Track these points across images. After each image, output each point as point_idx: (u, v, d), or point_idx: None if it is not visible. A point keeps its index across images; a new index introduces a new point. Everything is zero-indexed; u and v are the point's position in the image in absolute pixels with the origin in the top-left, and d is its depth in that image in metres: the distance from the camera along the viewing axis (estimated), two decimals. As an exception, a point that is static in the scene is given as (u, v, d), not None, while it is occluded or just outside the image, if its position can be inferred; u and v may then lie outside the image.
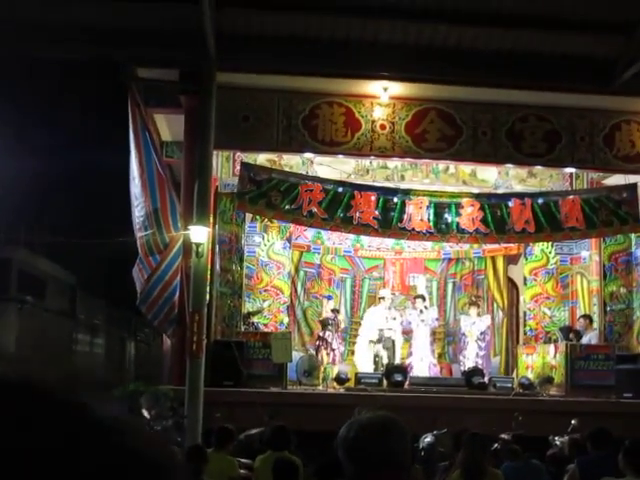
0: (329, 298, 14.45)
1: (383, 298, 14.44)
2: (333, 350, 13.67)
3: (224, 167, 13.03)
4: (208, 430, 8.15)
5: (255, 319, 13.13)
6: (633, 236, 13.06)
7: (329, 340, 13.64)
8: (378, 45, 10.69)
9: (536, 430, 8.80)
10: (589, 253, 14.22)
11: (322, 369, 13.54)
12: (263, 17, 10.35)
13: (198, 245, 9.87)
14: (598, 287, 13.69)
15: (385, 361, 13.63)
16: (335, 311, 14.11)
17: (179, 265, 10.36)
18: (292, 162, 13.46)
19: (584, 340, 13.04)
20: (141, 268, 10.65)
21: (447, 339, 15.90)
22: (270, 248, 14.19)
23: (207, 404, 9.56)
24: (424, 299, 14.43)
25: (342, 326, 14.14)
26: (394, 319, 14.16)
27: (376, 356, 13.79)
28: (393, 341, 13.98)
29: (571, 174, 13.90)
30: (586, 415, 9.08)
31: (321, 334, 13.81)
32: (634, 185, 12.09)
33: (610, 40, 10.64)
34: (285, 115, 11.47)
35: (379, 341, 13.89)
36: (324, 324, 13.76)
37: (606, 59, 10.79)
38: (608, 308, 13.43)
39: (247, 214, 12.82)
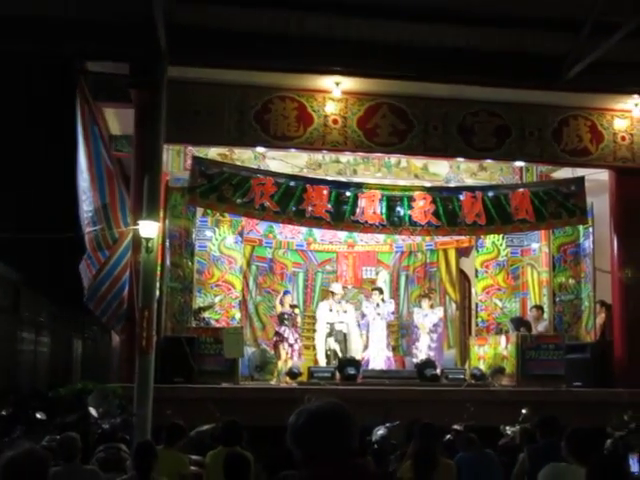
0: (287, 293, 14.47)
1: (333, 293, 14.51)
2: (291, 346, 13.71)
3: (175, 161, 13.00)
4: (158, 427, 8.14)
5: (206, 314, 13.11)
6: (581, 228, 13.38)
7: (285, 335, 13.69)
8: (331, 40, 10.69)
9: (488, 420, 8.98)
10: (539, 245, 14.49)
11: (277, 364, 13.60)
12: (216, 11, 10.30)
13: (148, 240, 9.80)
14: (548, 278, 13.97)
15: (339, 355, 13.75)
16: (293, 306, 14.16)
17: (128, 260, 10.30)
18: (244, 156, 13.46)
19: (535, 330, 13.29)
20: (89, 264, 10.56)
21: (401, 332, 16.04)
22: (221, 242, 14.16)
23: (157, 401, 9.51)
24: (382, 292, 14.54)
25: (299, 321, 14.17)
26: (345, 312, 14.24)
27: (328, 350, 13.90)
28: (345, 334, 14.08)
29: (521, 168, 14.18)
30: (537, 404, 9.28)
31: (279, 330, 13.84)
32: (581, 178, 12.37)
33: (559, 37, 10.82)
34: (237, 109, 11.46)
35: (330, 335, 13.99)
36: (281, 319, 13.80)
37: (555, 56, 10.96)
38: (557, 299, 13.74)
39: (198, 208, 12.80)
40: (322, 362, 13.92)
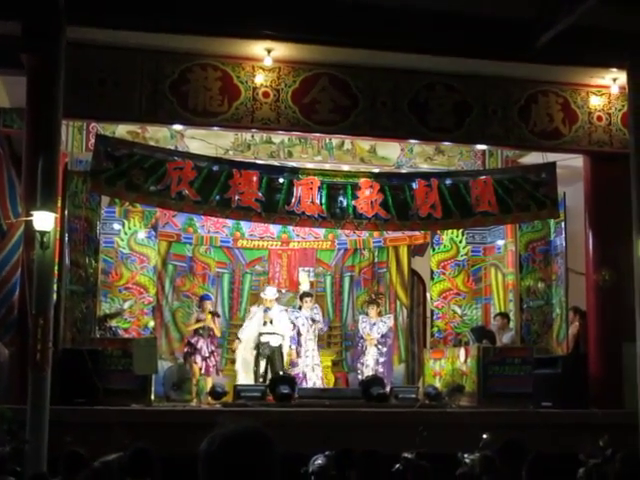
0: (206, 298, 14.43)
1: (265, 298, 14.50)
2: (205, 359, 13.70)
3: (76, 140, 12.88)
4: (55, 457, 8.06)
5: (113, 323, 13.03)
6: (552, 223, 13.56)
7: (198, 347, 13.67)
8: (260, -1, 10.73)
9: (444, 446, 9.04)
10: (504, 242, 14.70)
11: (194, 381, 13.57)
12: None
13: (43, 234, 9.69)
14: (514, 281, 14.18)
15: (262, 372, 13.73)
16: (214, 314, 14.13)
17: (19, 258, 10.15)
18: (158, 135, 13.41)
19: (499, 342, 13.46)
20: (-29, 262, 10.40)
21: (345, 343, 16.13)
22: (132, 237, 14.08)
23: (54, 426, 9.42)
24: (311, 297, 14.61)
25: (217, 332, 14.13)
26: (279, 322, 14.23)
27: (254, 367, 13.88)
28: (274, 348, 14.04)
29: (483, 152, 14.37)
30: (501, 428, 9.37)
31: (192, 340, 13.81)
32: (553, 164, 12.53)
33: (526, 2, 10.97)
34: (150, 79, 11.35)
35: (256, 348, 13.98)
36: (198, 328, 13.79)
37: (522, 22, 11.11)
38: (525, 305, 13.93)
39: (103, 197, 12.69)
40: (242, 379, 13.88)
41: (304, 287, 15.34)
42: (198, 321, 13.91)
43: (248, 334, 14.25)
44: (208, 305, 14.14)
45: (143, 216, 14.15)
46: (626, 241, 11.41)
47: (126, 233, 14.10)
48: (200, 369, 13.59)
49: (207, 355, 13.69)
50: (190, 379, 13.78)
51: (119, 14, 10.49)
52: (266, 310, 14.19)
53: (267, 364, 13.89)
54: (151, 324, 13.99)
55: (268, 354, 13.92)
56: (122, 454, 7.96)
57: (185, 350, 13.92)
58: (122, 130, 13.06)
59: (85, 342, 11.74)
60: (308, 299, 14.60)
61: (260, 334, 14.01)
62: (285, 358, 14.24)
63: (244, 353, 14.31)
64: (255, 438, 2.43)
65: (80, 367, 10.65)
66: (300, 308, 14.61)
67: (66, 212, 11.51)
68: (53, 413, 9.56)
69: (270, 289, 14.76)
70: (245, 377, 14.01)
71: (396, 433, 9.80)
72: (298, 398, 12.33)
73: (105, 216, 13.50)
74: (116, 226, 14.07)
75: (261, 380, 13.56)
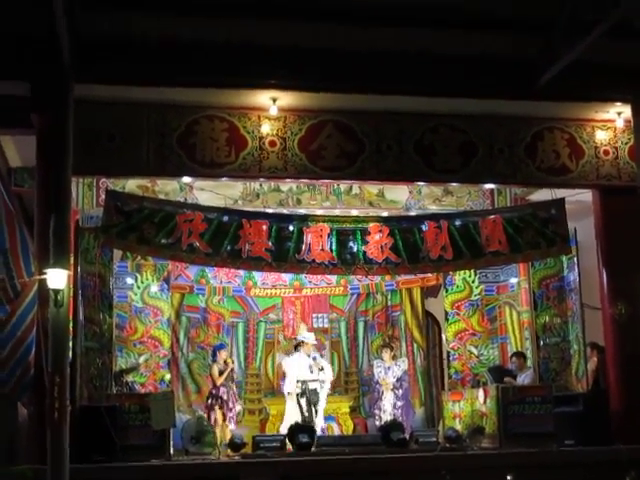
0: (220, 348, 14.41)
1: (302, 343, 14.47)
2: (230, 410, 13.65)
3: (86, 197, 12.94)
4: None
5: (130, 378, 13.00)
6: (565, 259, 13.48)
7: (225, 397, 13.62)
8: (264, 49, 10.76)
9: (466, 490, 9.01)
10: (517, 280, 14.67)
11: (216, 434, 13.51)
12: (127, 19, 10.33)
13: (57, 292, 9.67)
14: (529, 319, 14.11)
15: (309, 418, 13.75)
16: (231, 362, 14.13)
17: (34, 317, 10.13)
18: (168, 188, 13.46)
19: (518, 381, 13.38)
20: (-14, 322, 10.40)
21: (362, 389, 16.08)
22: (145, 291, 14.11)
23: (75, 484, 9.39)
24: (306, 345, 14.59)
25: (236, 380, 14.14)
26: (322, 369, 14.25)
27: (304, 414, 13.83)
28: (319, 395, 14.07)
29: (492, 190, 14.36)
30: (524, 468, 9.33)
31: (214, 391, 13.76)
32: (561, 200, 12.51)
33: (528, 40, 11.01)
34: (157, 133, 11.43)
35: (302, 395, 13.94)
36: (213, 384, 13.76)
37: (525, 60, 11.16)
38: (541, 342, 13.80)
39: (115, 251, 12.72)
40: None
41: (301, 337, 15.24)
42: (221, 373, 13.82)
43: (292, 383, 14.23)
44: (223, 354, 14.09)
45: (155, 269, 14.18)
46: (640, 273, 11.38)
47: (139, 287, 14.12)
48: (224, 420, 13.52)
49: (232, 406, 13.63)
50: (210, 432, 13.71)
51: (124, 70, 10.59)
52: (315, 358, 14.24)
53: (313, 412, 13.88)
54: (167, 377, 13.96)
55: (316, 401, 13.92)
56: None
57: (209, 402, 13.83)
58: (132, 184, 13.12)
59: (102, 398, 11.65)
60: (301, 349, 14.55)
61: (306, 381, 14.00)
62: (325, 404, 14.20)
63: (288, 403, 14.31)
64: None
65: (98, 424, 10.61)
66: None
67: (79, 269, 11.50)
68: (73, 471, 9.49)
69: (308, 334, 14.82)
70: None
71: (419, 478, 9.73)
72: (317, 446, 12.23)
73: (118, 271, 13.53)
74: (129, 280, 14.10)
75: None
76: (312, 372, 14.09)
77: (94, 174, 12.22)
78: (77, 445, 10.04)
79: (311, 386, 14.00)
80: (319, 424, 14.12)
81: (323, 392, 14.32)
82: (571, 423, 12.04)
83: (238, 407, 14.03)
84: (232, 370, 13.86)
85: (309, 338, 14.72)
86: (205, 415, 14.03)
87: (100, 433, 10.58)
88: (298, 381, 14.13)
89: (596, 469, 10.40)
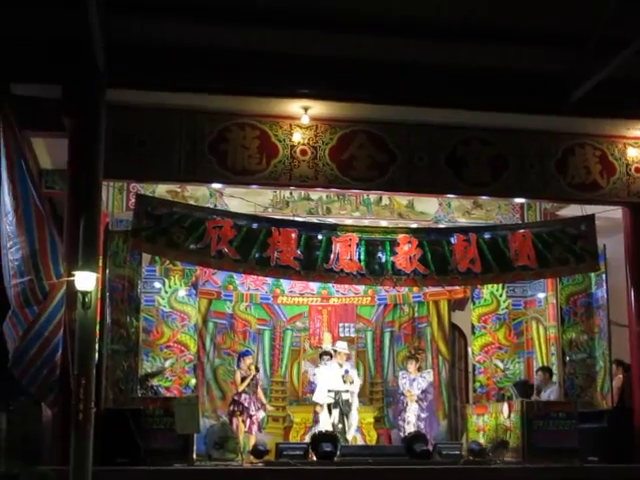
0: (245, 354, 14.39)
1: (335, 352, 14.45)
2: (250, 417, 13.62)
3: (116, 200, 12.95)
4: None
5: (155, 382, 13.00)
6: (593, 275, 13.38)
7: (246, 404, 13.59)
8: (297, 58, 10.80)
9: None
10: (545, 295, 14.56)
11: (239, 440, 13.49)
12: (162, 25, 10.36)
13: (85, 294, 9.73)
14: (556, 334, 13.99)
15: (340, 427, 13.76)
16: (257, 369, 14.10)
17: (61, 318, 10.17)
18: (198, 194, 13.47)
19: (543, 396, 13.28)
20: (15, 322, 10.42)
21: (386, 400, 16.04)
22: (172, 296, 14.11)
23: (97, 486, 9.40)
24: (332, 356, 14.52)
25: (260, 387, 14.10)
26: (352, 383, 14.23)
27: (335, 424, 13.79)
28: (351, 405, 14.04)
29: (522, 205, 14.27)
30: (547, 484, 9.25)
31: (239, 398, 13.74)
32: (591, 217, 12.44)
33: (561, 55, 11.01)
34: (189, 139, 11.45)
35: (336, 406, 13.90)
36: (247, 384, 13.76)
37: (557, 76, 11.17)
38: (567, 358, 13.67)
39: (144, 255, 12.72)
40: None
41: (325, 346, 15.18)
42: (244, 379, 13.81)
43: (323, 392, 14.19)
44: (248, 361, 14.06)
45: (183, 274, 14.19)
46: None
47: (167, 291, 14.13)
48: (245, 427, 13.49)
49: (253, 413, 13.60)
50: (233, 438, 13.70)
51: (158, 76, 10.61)
52: (347, 371, 14.23)
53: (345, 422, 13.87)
54: (192, 382, 13.94)
55: (348, 411, 13.89)
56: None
57: (231, 408, 13.82)
58: (162, 189, 13.14)
59: (127, 401, 11.67)
60: (326, 357, 14.49)
61: (340, 392, 13.97)
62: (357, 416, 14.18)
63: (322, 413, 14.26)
64: None
65: (122, 427, 10.62)
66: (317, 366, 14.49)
67: (107, 271, 11.55)
68: (95, 474, 9.52)
69: (341, 343, 14.84)
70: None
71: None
72: (340, 456, 12.17)
73: (146, 275, 13.53)
74: (157, 285, 14.12)
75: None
76: (345, 382, 14.07)
77: (125, 178, 12.24)
78: (101, 447, 10.06)
79: (344, 397, 13.96)
80: (351, 434, 14.09)
81: (354, 403, 14.29)
82: (595, 440, 12.01)
83: (262, 414, 13.94)
84: (255, 377, 13.82)
85: (342, 347, 14.72)
86: (228, 421, 14.03)
87: (124, 436, 10.59)
88: (330, 391, 14.09)
89: (619, 486, 10.31)
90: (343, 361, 14.55)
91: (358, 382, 14.59)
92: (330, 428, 13.67)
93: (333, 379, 14.20)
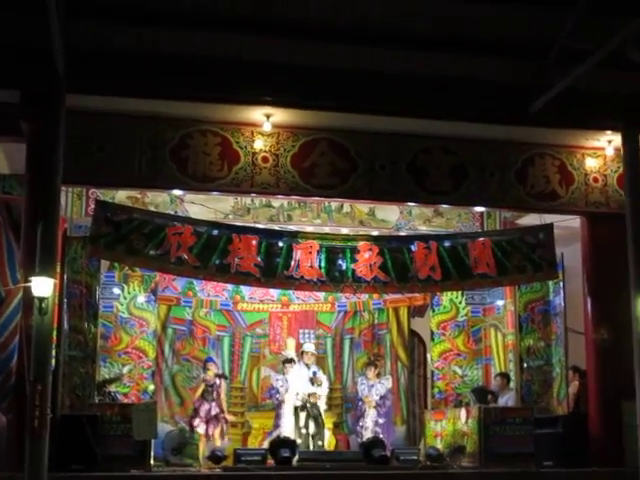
0: (210, 360, 14.27)
1: (303, 354, 14.46)
2: (207, 422, 13.52)
3: (75, 206, 12.82)
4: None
5: (112, 388, 12.87)
6: (551, 283, 13.43)
7: (200, 411, 13.50)
8: (259, 65, 10.75)
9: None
10: (503, 303, 14.63)
11: (199, 446, 13.40)
12: (123, 31, 10.28)
13: (41, 300, 9.60)
14: (514, 341, 14.05)
15: (312, 432, 13.61)
16: (220, 376, 13.99)
17: (17, 324, 10.09)
18: (158, 200, 13.36)
19: (500, 402, 13.31)
20: (-31, 329, 10.30)
21: (345, 405, 16.00)
22: (131, 302, 14.00)
23: (51, 493, 9.25)
24: (294, 363, 14.44)
25: (223, 395, 13.98)
26: (319, 385, 14.12)
27: (302, 428, 13.69)
28: (319, 408, 13.95)
29: (482, 213, 14.31)
30: (503, 488, 9.27)
31: (196, 404, 13.64)
32: (550, 226, 12.47)
33: (522, 66, 11.06)
34: (149, 145, 11.34)
35: (303, 408, 13.79)
36: (202, 392, 13.63)
37: (518, 86, 11.19)
38: (525, 364, 13.76)
39: (103, 261, 12.58)
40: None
41: (289, 353, 15.08)
42: (203, 382, 13.74)
43: (291, 394, 14.06)
44: (212, 367, 13.96)
45: (143, 280, 14.08)
46: (624, 300, 11.36)
47: (125, 297, 14.02)
48: (204, 433, 13.40)
49: (208, 419, 13.49)
50: (191, 444, 13.60)
51: (118, 81, 10.50)
52: (315, 373, 14.14)
53: (312, 427, 13.74)
54: (151, 388, 13.85)
55: (316, 414, 13.78)
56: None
57: (191, 416, 13.75)
58: (122, 195, 13.02)
59: (84, 408, 11.54)
60: (289, 365, 14.39)
61: (309, 395, 13.85)
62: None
63: (284, 416, 14.12)
64: None
65: (78, 433, 10.51)
66: (284, 374, 14.35)
67: (65, 277, 11.39)
68: (50, 480, 9.40)
69: (309, 345, 14.88)
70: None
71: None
72: (299, 461, 12.12)
73: (104, 281, 13.41)
74: (116, 290, 14.01)
75: (312, 440, 13.51)
76: (313, 384, 13.98)
77: (84, 184, 12.09)
78: (56, 454, 9.95)
79: (312, 399, 13.87)
80: (325, 438, 13.98)
81: (322, 407, 14.19)
82: (551, 445, 12.06)
83: (223, 421, 13.84)
84: (214, 384, 13.72)
85: (310, 348, 14.71)
86: (188, 427, 13.91)
87: (80, 442, 10.47)
88: (297, 393, 13.98)
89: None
90: (311, 362, 14.48)
91: (326, 384, 14.51)
92: (294, 433, 13.56)
93: (301, 382, 14.09)
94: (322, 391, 14.23)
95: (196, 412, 13.60)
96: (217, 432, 13.64)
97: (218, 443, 13.41)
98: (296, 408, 13.90)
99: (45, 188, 10.06)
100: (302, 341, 15.84)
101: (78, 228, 12.51)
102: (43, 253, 9.76)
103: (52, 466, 9.60)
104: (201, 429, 13.49)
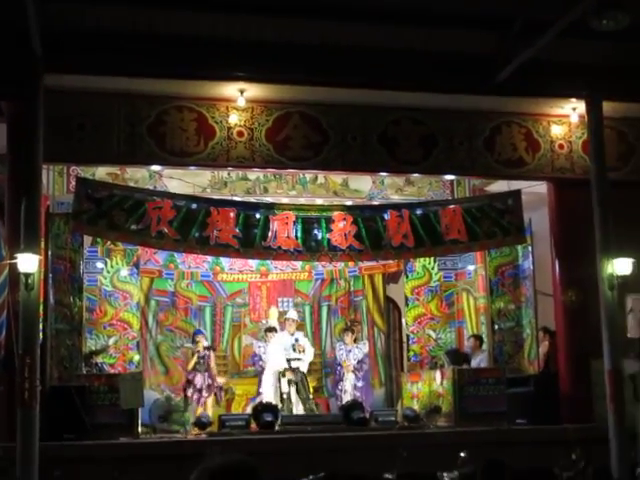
0: (199, 333, 14.35)
1: (286, 320, 14.49)
2: (199, 391, 13.62)
3: (57, 183, 12.81)
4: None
5: (99, 359, 12.92)
6: (520, 247, 13.53)
7: (195, 382, 13.60)
8: (232, 42, 10.75)
9: (423, 466, 9.03)
10: (474, 267, 14.73)
11: (185, 414, 13.48)
12: (98, 11, 10.26)
13: (27, 276, 9.64)
14: (485, 304, 14.16)
15: (294, 398, 13.68)
16: (209, 348, 14.08)
17: (5, 300, 10.06)
18: (137, 175, 13.36)
19: (473, 363, 13.47)
20: (-42, 305, 10.30)
21: (324, 370, 16.07)
22: (114, 275, 13.99)
23: (44, 462, 9.33)
24: (277, 332, 14.50)
25: (213, 364, 14.07)
26: (303, 352, 14.11)
27: (283, 394, 13.77)
28: (302, 374, 13.99)
29: (452, 181, 14.41)
30: (478, 446, 9.35)
31: (189, 376, 13.72)
32: (517, 192, 12.55)
33: (487, 37, 11.13)
34: (127, 122, 11.35)
35: (284, 374, 13.86)
36: (195, 364, 13.71)
37: (483, 57, 11.25)
38: (496, 327, 13.87)
39: (86, 237, 12.62)
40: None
41: (271, 322, 15.19)
42: (194, 354, 13.83)
43: (274, 360, 14.09)
44: (202, 339, 14.06)
45: (125, 254, 14.07)
46: (591, 262, 11.49)
47: (109, 271, 14.01)
48: (196, 401, 13.51)
49: (200, 388, 13.61)
50: (177, 411, 13.68)
51: (95, 60, 10.48)
52: (297, 340, 14.12)
53: (292, 392, 13.78)
54: (136, 358, 13.87)
55: (297, 380, 13.85)
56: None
57: (184, 385, 13.82)
58: (102, 172, 13.01)
59: (72, 379, 11.59)
60: (272, 333, 14.47)
61: (289, 360, 13.90)
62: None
63: (265, 380, 14.16)
64: (241, 470, 2.42)
65: (68, 403, 10.58)
66: (266, 342, 14.44)
67: (49, 253, 11.42)
68: (42, 449, 9.47)
69: (292, 311, 14.87)
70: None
71: (377, 455, 9.76)
72: (281, 425, 12.25)
73: (88, 256, 13.40)
74: (99, 265, 13.99)
75: (291, 406, 13.53)
76: (295, 351, 14.03)
77: (65, 161, 12.12)
78: (47, 424, 10.01)
79: (293, 365, 13.91)
80: (310, 403, 14.07)
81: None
82: (522, 403, 12.22)
83: (216, 390, 13.97)
84: (205, 355, 13.85)
85: (293, 315, 14.68)
86: (173, 395, 13.98)
87: (70, 412, 10.55)
88: (281, 360, 14.00)
89: (545, 446, 10.51)
90: (293, 329, 14.49)
91: (310, 350, 14.48)
92: (276, 399, 13.66)
93: (284, 349, 14.15)
94: (306, 357, 14.24)
95: (189, 383, 13.65)
96: (210, 401, 13.74)
97: (210, 412, 13.49)
98: (279, 374, 13.98)
99: (27, 167, 10.08)
100: (280, 309, 15.93)
101: (60, 205, 12.51)
102: (27, 230, 9.80)
103: (43, 436, 9.67)
104: (195, 398, 13.58)
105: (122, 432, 11.11)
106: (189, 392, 13.61)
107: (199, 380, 13.64)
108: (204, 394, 13.67)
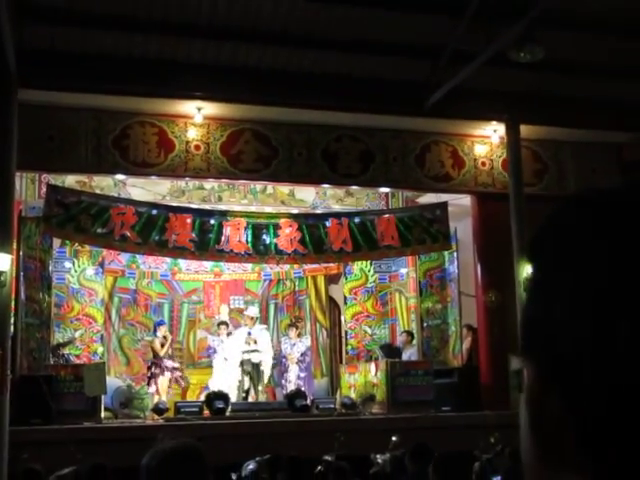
0: (160, 324, 14.14)
1: (249, 317, 14.24)
2: (172, 372, 13.53)
3: (29, 189, 12.61)
4: (13, 474, 7.82)
5: (66, 350, 12.72)
6: (446, 253, 13.66)
7: (168, 366, 13.46)
8: (191, 65, 10.73)
9: (359, 449, 9.04)
10: (406, 270, 14.80)
11: (145, 400, 13.34)
12: (69, 33, 10.11)
13: (0, 274, 9.48)
14: (415, 304, 14.24)
15: (246, 386, 13.48)
16: (165, 337, 13.93)
17: (-21, 296, 9.89)
18: (103, 184, 13.21)
19: (404, 356, 13.53)
20: None
21: (272, 362, 16.03)
22: (81, 274, 13.81)
23: (13, 445, 9.16)
24: (228, 326, 14.38)
25: (163, 352, 13.92)
26: (260, 340, 13.85)
27: (240, 383, 13.61)
28: (254, 365, 13.76)
29: (387, 193, 14.49)
30: (407, 431, 9.41)
31: (158, 362, 13.51)
32: (444, 204, 12.71)
33: (419, 65, 11.16)
34: (94, 135, 11.24)
35: (240, 365, 13.71)
36: (154, 355, 13.54)
37: (415, 83, 11.31)
38: (425, 324, 13.98)
39: (55, 239, 12.43)
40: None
41: (222, 317, 15.05)
42: (162, 345, 13.63)
43: (232, 353, 13.86)
44: (162, 329, 13.90)
45: (91, 255, 13.91)
46: (509, 267, 11.60)
47: (76, 270, 13.83)
48: (169, 386, 13.36)
49: (172, 368, 13.50)
50: (137, 398, 13.52)
51: (65, 78, 10.37)
52: (249, 333, 13.82)
53: (246, 380, 13.62)
54: (100, 350, 13.72)
55: (249, 371, 13.72)
56: (75, 468, 7.77)
57: (152, 371, 13.50)
58: (71, 179, 12.84)
59: (40, 369, 11.46)
60: (223, 327, 14.36)
61: (243, 352, 13.70)
62: (268, 373, 14.00)
63: (230, 370, 13.88)
64: (189, 452, 2.40)
65: (36, 391, 10.41)
66: (218, 335, 14.32)
67: (21, 253, 11.27)
68: (12, 433, 9.31)
69: (252, 308, 14.62)
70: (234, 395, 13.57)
71: (318, 439, 9.75)
72: (231, 412, 12.18)
73: (57, 256, 13.21)
74: (67, 264, 13.80)
75: (244, 395, 13.34)
76: (248, 344, 13.89)
77: (36, 170, 11.97)
78: (16, 410, 9.83)
79: (245, 357, 13.76)
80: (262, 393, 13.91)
81: (265, 365, 13.93)
82: (447, 392, 12.24)
83: (178, 372, 13.86)
84: (172, 343, 13.75)
85: (249, 312, 14.42)
86: (145, 384, 13.73)
87: (38, 399, 10.38)
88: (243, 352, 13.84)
89: (467, 431, 10.56)
90: (251, 325, 14.25)
91: (266, 341, 14.15)
92: (227, 389, 13.52)
93: (238, 342, 14.03)
94: (260, 347, 14.02)
95: (161, 368, 13.44)
96: (166, 383, 13.57)
97: (164, 396, 13.32)
98: (239, 364, 13.83)
99: (1, 174, 9.91)
100: (232, 306, 15.85)
101: (32, 209, 12.31)
102: (1, 232, 9.64)
103: (13, 421, 9.53)
104: (168, 383, 13.41)
105: (86, 417, 10.95)
106: (160, 380, 13.31)
107: (170, 363, 13.53)
108: (176, 374, 13.57)
